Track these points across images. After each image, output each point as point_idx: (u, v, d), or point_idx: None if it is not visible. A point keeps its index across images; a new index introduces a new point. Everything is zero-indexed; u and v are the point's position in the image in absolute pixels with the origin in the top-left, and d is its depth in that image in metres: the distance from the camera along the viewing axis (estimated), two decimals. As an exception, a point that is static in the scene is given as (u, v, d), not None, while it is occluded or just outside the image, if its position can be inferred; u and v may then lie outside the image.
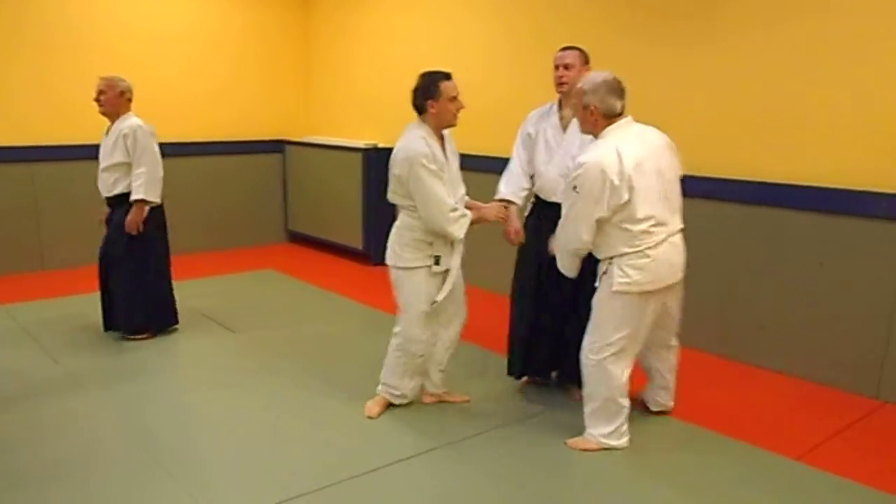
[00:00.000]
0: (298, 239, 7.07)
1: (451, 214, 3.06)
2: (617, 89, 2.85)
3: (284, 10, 6.84)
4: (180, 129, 6.33)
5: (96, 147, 4.19)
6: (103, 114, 4.11)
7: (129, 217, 4.02)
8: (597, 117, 2.87)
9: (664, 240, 2.83)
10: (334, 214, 6.49)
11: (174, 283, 4.40)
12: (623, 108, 2.87)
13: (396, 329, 3.26)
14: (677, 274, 2.94)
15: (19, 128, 5.58)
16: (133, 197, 4.02)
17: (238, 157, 6.75)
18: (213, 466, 2.88)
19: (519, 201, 3.55)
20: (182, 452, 2.99)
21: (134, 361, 3.96)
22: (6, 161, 5.56)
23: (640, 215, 2.77)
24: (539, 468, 2.89)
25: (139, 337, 4.22)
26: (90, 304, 4.30)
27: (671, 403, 3.35)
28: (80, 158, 5.43)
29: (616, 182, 2.73)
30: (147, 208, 4.05)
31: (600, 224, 2.83)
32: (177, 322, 4.40)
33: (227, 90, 6.62)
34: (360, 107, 6.55)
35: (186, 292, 4.91)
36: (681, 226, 2.95)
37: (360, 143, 6.13)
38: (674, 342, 3.24)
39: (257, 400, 3.51)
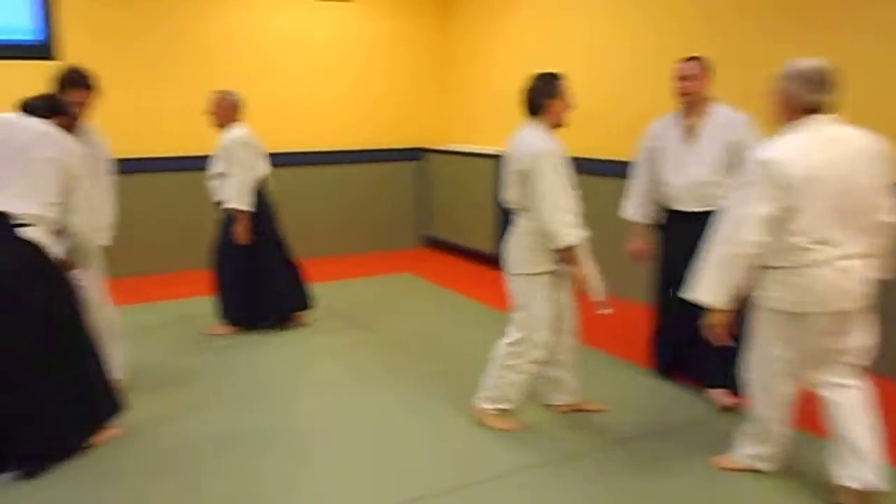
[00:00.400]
0: (434, 244, 7.18)
1: (568, 217, 2.95)
2: (813, 80, 2.47)
3: (425, 22, 6.98)
4: (326, 138, 6.63)
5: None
6: (216, 126, 4.36)
7: (235, 229, 4.27)
8: (781, 106, 2.56)
9: (827, 261, 2.44)
10: (469, 220, 6.54)
11: (311, 284, 4.66)
12: (821, 103, 2.49)
13: (517, 336, 3.13)
14: (848, 302, 2.49)
15: (179, 139, 5.99)
16: (225, 205, 4.28)
17: (377, 164, 6.95)
18: (327, 462, 2.96)
19: (642, 219, 3.67)
20: (300, 446, 3.10)
21: (263, 357, 4.15)
22: (168, 170, 5.99)
23: (797, 226, 2.45)
24: (677, 484, 2.76)
25: (237, 330, 4.50)
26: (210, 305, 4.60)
27: (870, 478, 2.48)
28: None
29: (781, 179, 2.43)
30: (246, 216, 4.27)
31: (768, 226, 2.49)
32: (278, 320, 4.58)
33: (370, 101, 6.83)
34: (495, 115, 6.56)
35: (324, 293, 5.11)
36: (867, 249, 2.49)
37: (494, 150, 6.16)
38: (849, 381, 2.59)
39: (380, 400, 3.58)
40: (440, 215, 7.02)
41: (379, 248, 7.05)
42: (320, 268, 6.22)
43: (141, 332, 4.53)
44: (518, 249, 3.12)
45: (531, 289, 3.09)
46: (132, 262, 5.61)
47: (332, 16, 6.52)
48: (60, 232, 2.88)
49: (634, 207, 3.71)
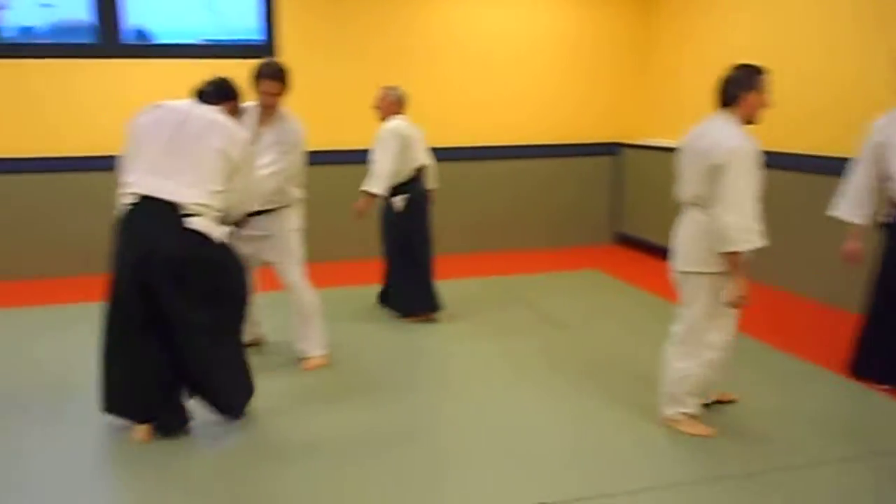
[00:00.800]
0: (625, 241, 6.94)
1: (750, 223, 2.73)
2: None
3: (626, 14, 6.74)
4: (523, 133, 6.63)
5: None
6: (381, 120, 4.44)
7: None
8: None
9: None
10: (663, 217, 6.23)
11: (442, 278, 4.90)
12: None
13: (684, 336, 2.99)
14: None
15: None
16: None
17: (572, 159, 6.83)
18: (477, 457, 2.90)
19: (860, 221, 3.42)
20: (448, 440, 3.07)
21: (427, 345, 4.21)
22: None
23: None
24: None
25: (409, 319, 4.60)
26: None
27: None
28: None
29: None
30: (372, 199, 4.27)
31: None
32: (437, 308, 4.60)
33: (568, 96, 6.73)
34: (697, 109, 6.14)
35: (508, 285, 5.15)
36: None
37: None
38: None
39: (537, 397, 3.46)
40: (634, 212, 6.80)
41: (571, 243, 6.94)
42: (509, 260, 6.29)
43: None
44: (691, 246, 2.95)
45: (701, 288, 2.92)
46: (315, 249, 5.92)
47: (534, 11, 6.50)
48: (222, 218, 3.02)
49: (851, 207, 3.50)
